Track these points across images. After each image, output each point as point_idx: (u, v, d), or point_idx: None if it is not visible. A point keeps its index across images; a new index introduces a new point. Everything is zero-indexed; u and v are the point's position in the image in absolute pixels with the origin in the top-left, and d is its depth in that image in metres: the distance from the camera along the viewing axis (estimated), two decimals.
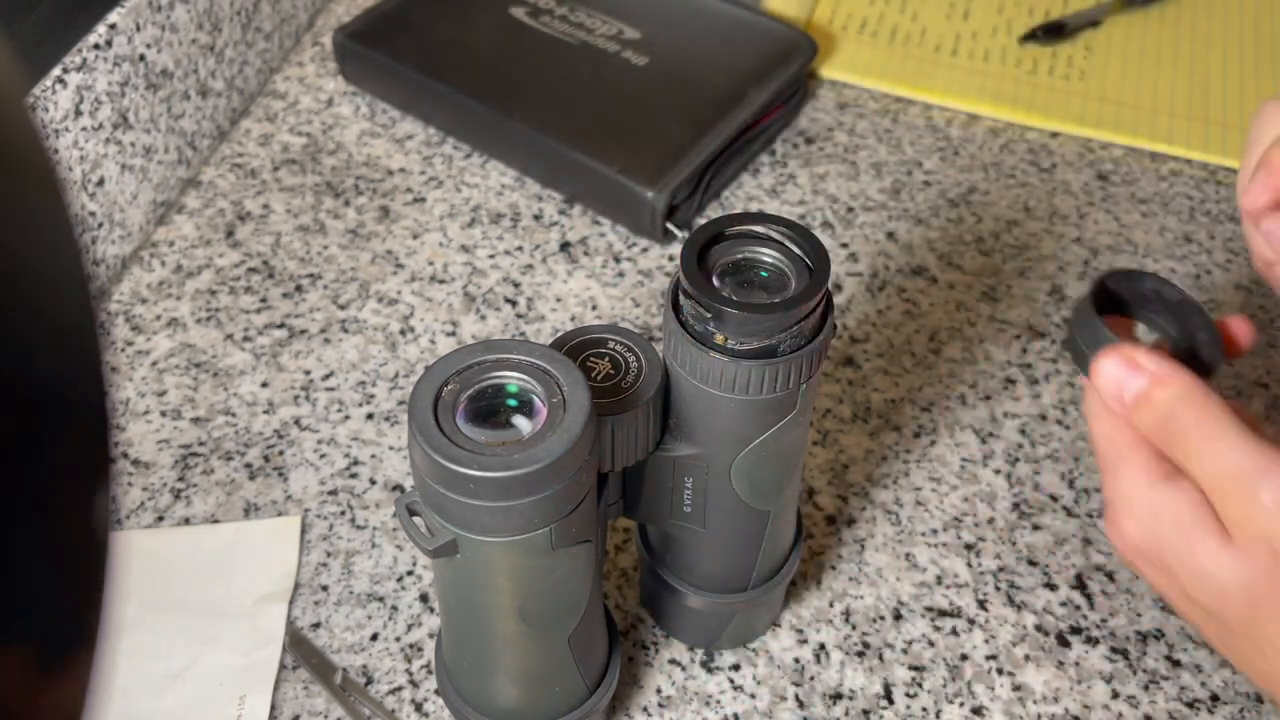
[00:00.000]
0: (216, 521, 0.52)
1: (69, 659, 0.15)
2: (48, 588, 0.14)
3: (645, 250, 0.65)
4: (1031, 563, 0.52)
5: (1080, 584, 0.51)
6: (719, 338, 0.35)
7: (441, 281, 0.63)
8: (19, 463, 0.13)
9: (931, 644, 0.49)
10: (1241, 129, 0.73)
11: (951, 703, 0.47)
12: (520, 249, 0.65)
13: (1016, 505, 0.54)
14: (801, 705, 0.47)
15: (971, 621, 0.50)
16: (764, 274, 0.37)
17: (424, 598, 0.50)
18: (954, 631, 0.49)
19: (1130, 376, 0.36)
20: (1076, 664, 0.48)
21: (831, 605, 0.50)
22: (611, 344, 0.38)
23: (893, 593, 0.50)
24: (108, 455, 0.15)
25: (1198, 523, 0.34)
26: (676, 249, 0.64)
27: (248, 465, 0.54)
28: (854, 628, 0.49)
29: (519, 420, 0.34)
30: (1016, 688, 0.47)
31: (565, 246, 0.65)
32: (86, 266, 0.15)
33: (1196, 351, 0.38)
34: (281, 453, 0.54)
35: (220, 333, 0.60)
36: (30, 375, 0.14)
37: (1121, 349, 0.37)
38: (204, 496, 0.53)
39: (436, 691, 0.46)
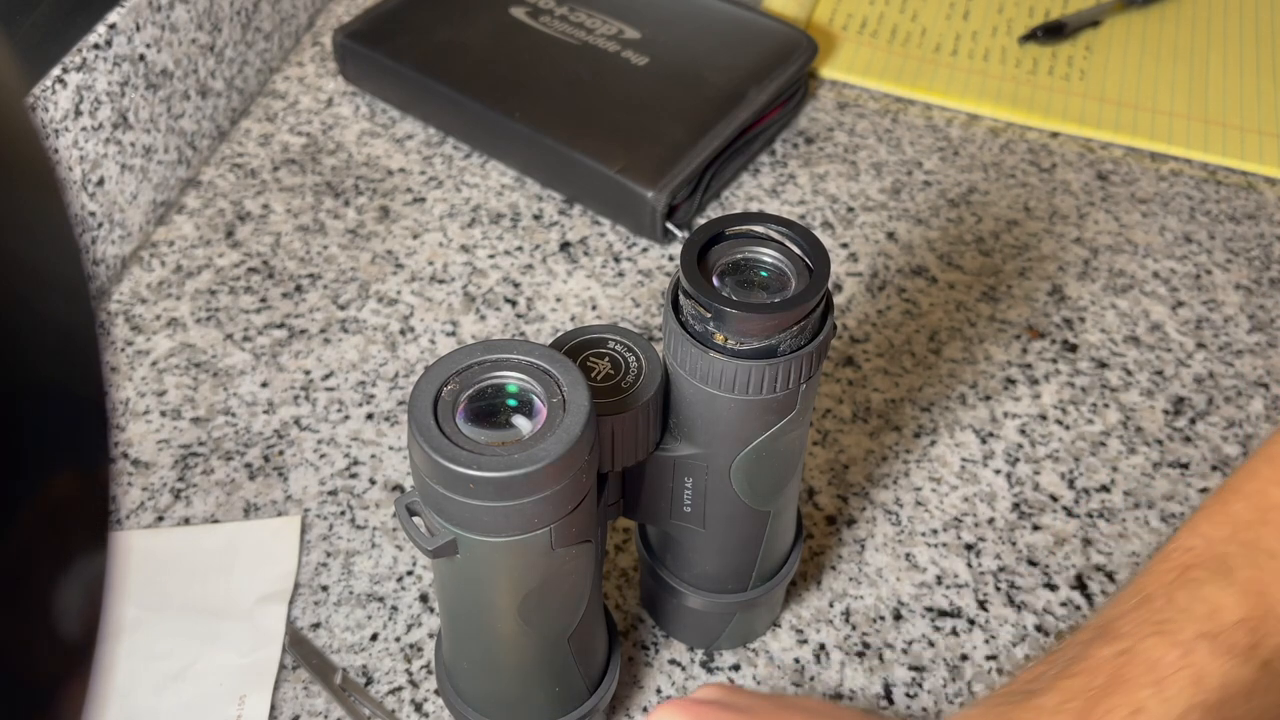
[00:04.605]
0: (216, 521, 0.52)
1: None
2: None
3: (645, 250, 0.65)
4: (1031, 563, 0.52)
5: (1080, 584, 0.51)
6: (719, 337, 0.35)
7: (441, 281, 0.63)
8: (16, 468, 0.13)
9: (931, 644, 0.49)
10: (1242, 129, 0.73)
11: (951, 703, 0.47)
12: (520, 249, 0.65)
13: (1016, 505, 0.54)
14: None
15: (971, 622, 0.50)
16: (764, 274, 0.37)
17: (424, 598, 0.50)
18: (954, 632, 0.49)
19: None
20: None
21: (831, 605, 0.50)
22: (611, 344, 0.38)
23: (893, 593, 0.50)
24: (109, 454, 0.15)
25: None
26: (676, 249, 0.64)
27: (248, 465, 0.54)
28: (854, 628, 0.49)
29: (519, 420, 0.34)
30: None
31: (565, 246, 0.65)
32: (86, 266, 0.15)
33: None
34: (281, 453, 0.54)
35: (220, 333, 0.60)
36: (29, 377, 0.13)
37: None
38: (204, 496, 0.53)
39: (436, 691, 0.46)
